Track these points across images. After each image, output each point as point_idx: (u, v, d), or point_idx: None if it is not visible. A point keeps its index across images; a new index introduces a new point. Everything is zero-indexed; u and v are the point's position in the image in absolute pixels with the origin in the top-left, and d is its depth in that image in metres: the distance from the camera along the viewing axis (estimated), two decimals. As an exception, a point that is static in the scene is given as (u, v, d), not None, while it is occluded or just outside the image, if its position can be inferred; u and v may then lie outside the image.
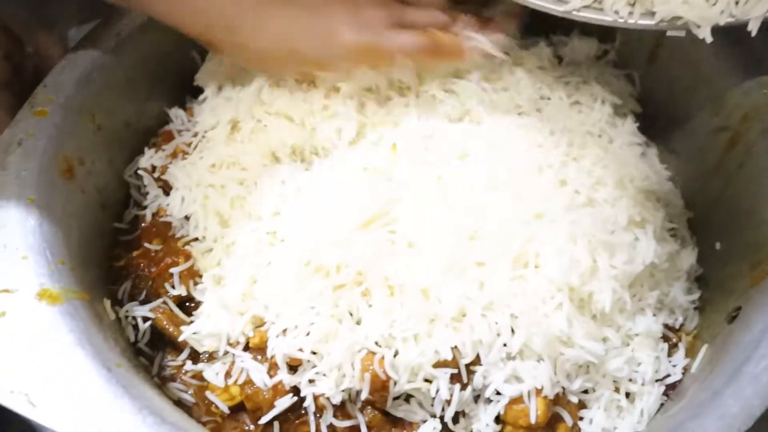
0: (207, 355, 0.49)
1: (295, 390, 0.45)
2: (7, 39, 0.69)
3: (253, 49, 0.54)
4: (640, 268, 0.49)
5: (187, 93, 0.61)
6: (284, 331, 0.45)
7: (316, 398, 0.45)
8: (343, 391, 0.44)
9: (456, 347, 0.44)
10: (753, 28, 0.45)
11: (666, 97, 0.63)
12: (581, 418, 0.47)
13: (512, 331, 0.44)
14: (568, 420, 0.46)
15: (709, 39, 0.45)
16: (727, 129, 0.58)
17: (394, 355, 0.43)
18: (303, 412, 0.46)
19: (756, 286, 0.47)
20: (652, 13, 0.46)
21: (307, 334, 0.45)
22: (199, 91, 0.60)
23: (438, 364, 0.43)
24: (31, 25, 0.76)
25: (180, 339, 0.48)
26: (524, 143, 0.54)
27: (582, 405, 0.47)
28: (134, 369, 0.43)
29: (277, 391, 0.46)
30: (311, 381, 0.44)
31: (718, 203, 0.57)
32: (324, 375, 0.44)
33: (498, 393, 0.45)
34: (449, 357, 0.43)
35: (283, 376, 0.45)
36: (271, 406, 0.46)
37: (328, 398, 0.44)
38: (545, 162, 0.52)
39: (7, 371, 0.39)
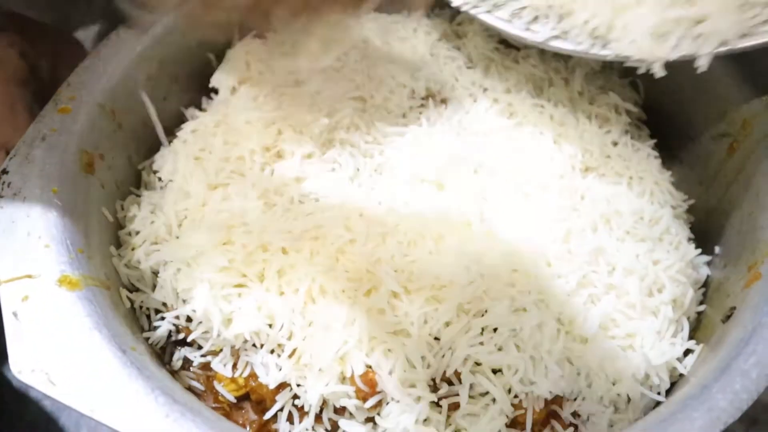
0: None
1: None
2: (22, 39, 0.72)
3: None
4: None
5: (203, 94, 0.64)
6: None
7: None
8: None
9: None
10: (702, 64, 0.46)
11: (669, 105, 0.65)
12: (578, 415, 0.49)
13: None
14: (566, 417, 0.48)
15: (660, 74, 0.47)
16: (728, 135, 0.59)
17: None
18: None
19: (749, 287, 0.48)
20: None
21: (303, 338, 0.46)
22: (215, 92, 0.63)
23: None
24: (45, 26, 0.79)
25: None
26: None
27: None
28: (148, 354, 0.45)
29: (280, 384, 0.47)
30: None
31: (718, 208, 0.59)
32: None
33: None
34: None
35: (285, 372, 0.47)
36: (273, 401, 0.47)
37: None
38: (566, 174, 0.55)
39: (29, 351, 0.41)
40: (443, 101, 0.62)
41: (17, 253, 0.45)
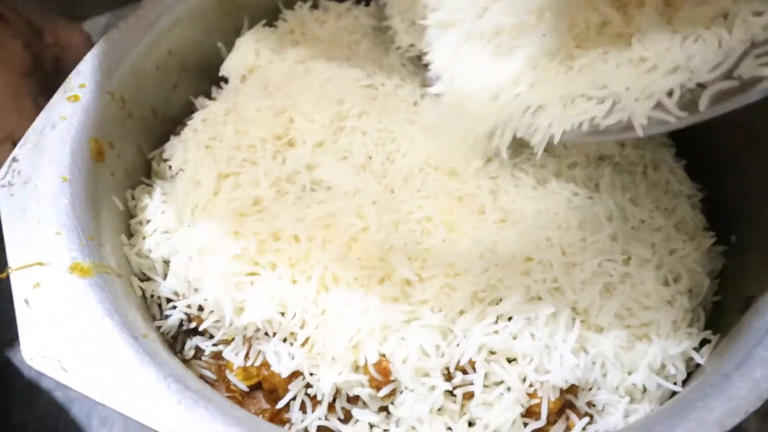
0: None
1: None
2: (27, 29, 0.72)
3: None
4: None
5: (213, 83, 0.63)
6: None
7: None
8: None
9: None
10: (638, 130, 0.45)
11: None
12: (593, 405, 0.48)
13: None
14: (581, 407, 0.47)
15: (641, 133, 0.45)
16: (743, 125, 0.58)
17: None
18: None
19: (768, 274, 0.48)
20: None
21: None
22: (225, 81, 0.62)
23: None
24: (50, 16, 0.79)
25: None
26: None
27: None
28: (159, 342, 0.45)
29: (293, 373, 0.47)
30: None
31: (734, 197, 0.58)
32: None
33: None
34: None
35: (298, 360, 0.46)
36: (286, 390, 0.47)
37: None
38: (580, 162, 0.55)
39: (41, 338, 0.41)
40: (455, 89, 0.61)
41: (28, 240, 0.45)
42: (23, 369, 0.67)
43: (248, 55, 0.62)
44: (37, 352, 0.40)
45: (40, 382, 0.66)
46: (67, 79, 0.54)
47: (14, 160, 0.49)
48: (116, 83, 0.55)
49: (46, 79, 0.74)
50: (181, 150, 0.56)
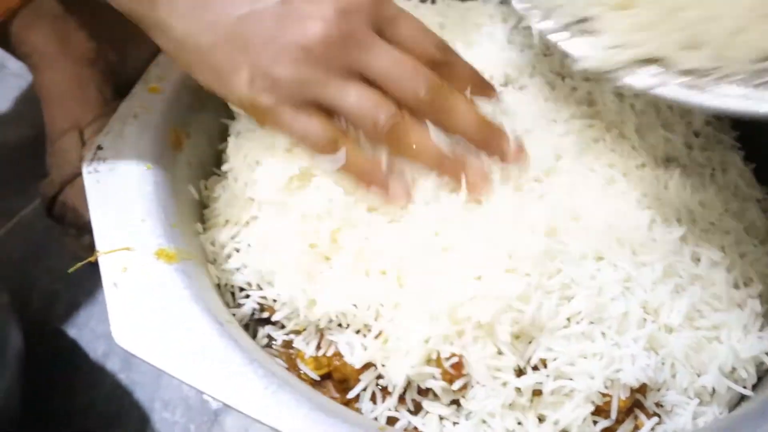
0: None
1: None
2: (92, 19, 0.74)
3: (174, 35, 0.44)
4: None
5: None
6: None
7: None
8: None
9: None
10: None
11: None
12: (661, 405, 0.48)
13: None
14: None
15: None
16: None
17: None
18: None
19: None
20: None
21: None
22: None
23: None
24: (114, 9, 0.81)
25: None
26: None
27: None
28: (240, 329, 0.46)
29: (365, 364, 0.47)
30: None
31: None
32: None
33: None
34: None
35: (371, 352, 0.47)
36: (357, 380, 0.48)
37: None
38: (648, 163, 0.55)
39: (130, 319, 0.42)
40: (521, 88, 0.61)
41: (115, 226, 0.46)
42: (89, 351, 0.69)
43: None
44: (127, 333, 0.42)
45: (105, 364, 0.68)
46: (147, 71, 0.55)
47: (99, 148, 0.50)
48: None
49: (109, 69, 0.75)
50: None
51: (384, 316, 0.47)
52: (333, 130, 0.46)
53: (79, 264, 0.50)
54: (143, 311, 0.42)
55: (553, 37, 0.48)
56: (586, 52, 0.46)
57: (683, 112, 0.60)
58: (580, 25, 0.47)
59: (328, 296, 0.48)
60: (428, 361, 0.46)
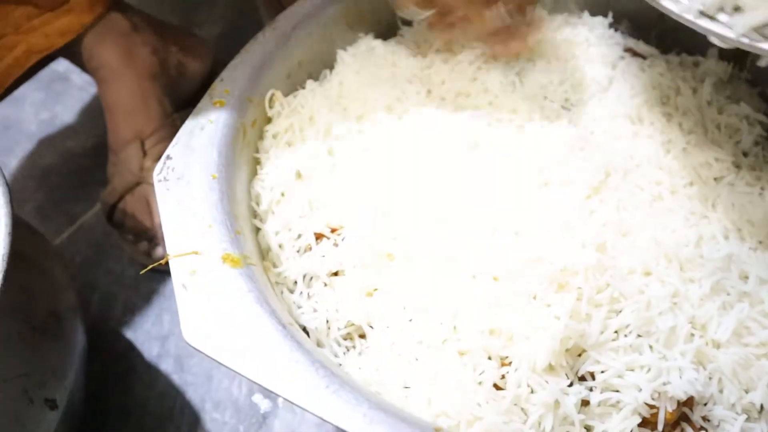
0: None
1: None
2: (154, 37, 0.78)
3: None
4: None
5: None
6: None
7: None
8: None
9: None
10: None
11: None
12: (708, 420, 0.49)
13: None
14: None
15: None
16: None
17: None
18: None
19: None
20: None
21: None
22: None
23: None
24: (175, 26, 0.85)
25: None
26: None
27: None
28: (301, 331, 0.48)
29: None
30: None
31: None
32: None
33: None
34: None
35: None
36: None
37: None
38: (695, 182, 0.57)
39: (199, 320, 0.44)
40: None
41: (184, 231, 0.49)
42: (143, 352, 0.72)
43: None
44: (196, 333, 0.44)
45: (159, 365, 0.71)
46: (212, 86, 0.58)
47: (168, 158, 0.53)
48: (254, 90, 0.59)
49: (169, 83, 0.79)
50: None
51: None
52: None
53: (149, 267, 0.53)
54: (211, 312, 0.45)
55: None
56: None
57: (732, 132, 0.61)
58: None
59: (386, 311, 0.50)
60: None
